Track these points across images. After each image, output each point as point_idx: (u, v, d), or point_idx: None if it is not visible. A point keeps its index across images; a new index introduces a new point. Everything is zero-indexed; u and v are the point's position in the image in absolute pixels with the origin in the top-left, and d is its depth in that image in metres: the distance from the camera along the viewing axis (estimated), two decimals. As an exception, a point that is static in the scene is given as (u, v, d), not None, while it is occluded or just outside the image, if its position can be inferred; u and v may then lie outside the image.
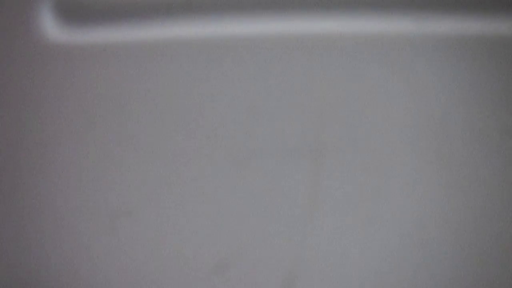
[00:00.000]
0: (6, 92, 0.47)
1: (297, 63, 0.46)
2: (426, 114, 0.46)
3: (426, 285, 0.46)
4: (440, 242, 0.46)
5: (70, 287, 0.47)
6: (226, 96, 0.46)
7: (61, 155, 0.47)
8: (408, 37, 0.46)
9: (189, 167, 0.46)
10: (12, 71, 0.47)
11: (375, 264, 0.46)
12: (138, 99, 0.47)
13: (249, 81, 0.46)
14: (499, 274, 0.46)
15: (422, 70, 0.46)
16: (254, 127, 0.46)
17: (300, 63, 0.46)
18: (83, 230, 0.47)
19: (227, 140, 0.46)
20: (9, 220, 0.48)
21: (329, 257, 0.46)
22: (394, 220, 0.46)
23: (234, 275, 0.46)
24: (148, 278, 0.47)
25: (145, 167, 0.47)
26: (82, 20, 0.47)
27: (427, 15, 0.46)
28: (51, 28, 0.47)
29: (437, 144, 0.46)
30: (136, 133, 0.47)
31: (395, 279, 0.46)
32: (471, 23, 0.46)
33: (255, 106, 0.46)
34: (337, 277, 0.46)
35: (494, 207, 0.46)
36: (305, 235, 0.46)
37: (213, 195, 0.46)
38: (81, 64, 0.47)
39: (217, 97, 0.46)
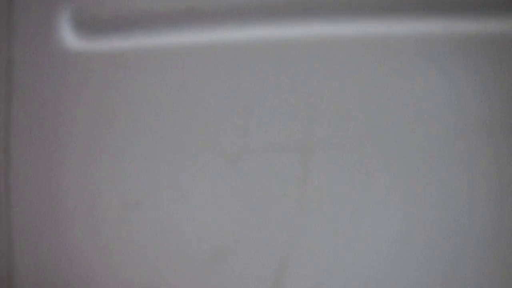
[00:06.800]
0: (30, 93, 0.53)
1: (287, 66, 0.49)
2: (411, 112, 0.48)
3: (412, 279, 0.48)
4: (426, 236, 0.47)
5: (82, 273, 0.52)
6: (221, 98, 0.50)
7: (76, 151, 0.52)
8: (392, 38, 0.48)
9: (189, 163, 0.50)
10: (35, 75, 0.52)
11: (361, 254, 0.48)
12: (145, 100, 0.51)
13: (242, 83, 0.49)
14: (496, 274, 0.47)
15: (407, 69, 0.47)
16: (247, 126, 0.49)
17: (289, 65, 0.49)
18: (95, 220, 0.52)
19: (223, 138, 0.50)
20: (25, 212, 0.53)
21: (318, 246, 0.49)
22: (380, 214, 0.48)
23: (230, 263, 0.50)
24: (153, 265, 0.51)
25: (151, 163, 0.51)
26: (97, 30, 0.52)
27: (416, 16, 0.48)
28: (69, 38, 0.52)
29: (424, 141, 0.47)
30: (143, 132, 0.51)
31: (381, 271, 0.48)
32: (466, 24, 0.47)
33: (248, 107, 0.49)
34: (324, 265, 0.49)
35: (493, 204, 0.47)
36: (295, 226, 0.49)
37: (209, 189, 0.50)
38: (96, 68, 0.52)
39: (213, 99, 0.50)
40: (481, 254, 0.47)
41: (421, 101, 0.47)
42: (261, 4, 0.49)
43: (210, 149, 0.50)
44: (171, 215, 0.51)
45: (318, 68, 0.49)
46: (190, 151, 0.50)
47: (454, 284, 0.47)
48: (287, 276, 0.49)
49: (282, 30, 0.49)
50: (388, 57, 0.48)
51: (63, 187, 0.53)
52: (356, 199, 0.48)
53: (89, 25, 0.52)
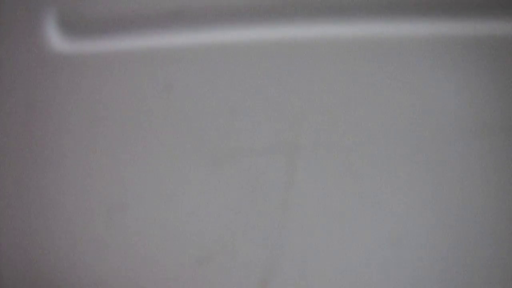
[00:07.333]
0: (15, 95, 0.52)
1: (273, 67, 0.49)
2: (401, 113, 0.47)
3: (401, 283, 0.47)
4: (417, 240, 0.47)
5: (67, 275, 0.52)
6: (207, 100, 0.49)
7: (62, 154, 0.52)
8: (381, 39, 0.47)
9: (175, 165, 0.50)
10: (21, 78, 0.52)
11: (349, 257, 0.48)
12: (131, 102, 0.51)
13: (229, 85, 0.49)
14: (490, 277, 0.47)
15: (397, 69, 0.47)
16: (234, 128, 0.49)
17: (276, 67, 0.48)
18: (82, 223, 0.51)
19: (209, 140, 0.49)
20: (11, 214, 0.53)
21: (305, 249, 0.48)
22: (369, 217, 0.48)
23: (216, 265, 0.49)
24: (139, 268, 0.51)
25: (139, 165, 0.51)
26: (84, 32, 0.51)
27: (409, 17, 0.47)
28: (56, 40, 0.52)
29: (416, 142, 0.47)
30: (129, 134, 0.51)
31: (370, 275, 0.48)
32: (466, 24, 0.46)
33: (234, 108, 0.49)
34: (312, 268, 0.48)
35: (488, 207, 0.46)
36: (282, 228, 0.49)
37: (196, 191, 0.50)
38: (83, 71, 0.51)
39: (200, 100, 0.50)
40: (474, 258, 0.46)
41: (412, 101, 0.47)
42: (248, 5, 0.49)
43: (197, 151, 0.50)
44: (157, 217, 0.50)
45: (305, 69, 0.48)
46: (176, 153, 0.50)
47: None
48: (274, 278, 0.49)
49: (268, 31, 0.49)
50: (377, 57, 0.47)
51: (48, 189, 0.52)
52: (344, 201, 0.48)
53: (75, 26, 0.52)
